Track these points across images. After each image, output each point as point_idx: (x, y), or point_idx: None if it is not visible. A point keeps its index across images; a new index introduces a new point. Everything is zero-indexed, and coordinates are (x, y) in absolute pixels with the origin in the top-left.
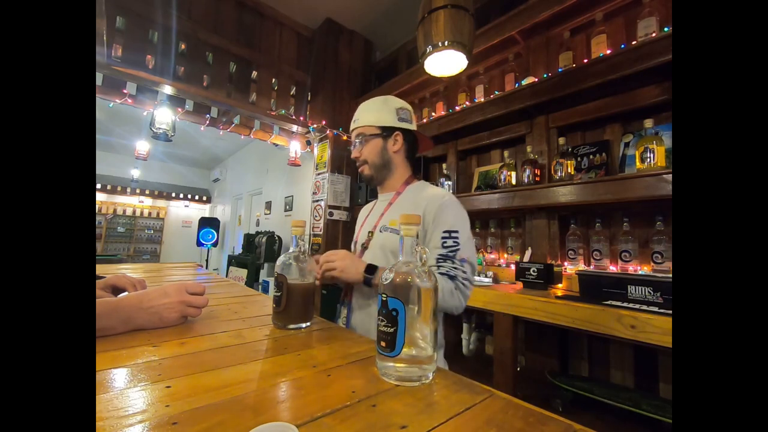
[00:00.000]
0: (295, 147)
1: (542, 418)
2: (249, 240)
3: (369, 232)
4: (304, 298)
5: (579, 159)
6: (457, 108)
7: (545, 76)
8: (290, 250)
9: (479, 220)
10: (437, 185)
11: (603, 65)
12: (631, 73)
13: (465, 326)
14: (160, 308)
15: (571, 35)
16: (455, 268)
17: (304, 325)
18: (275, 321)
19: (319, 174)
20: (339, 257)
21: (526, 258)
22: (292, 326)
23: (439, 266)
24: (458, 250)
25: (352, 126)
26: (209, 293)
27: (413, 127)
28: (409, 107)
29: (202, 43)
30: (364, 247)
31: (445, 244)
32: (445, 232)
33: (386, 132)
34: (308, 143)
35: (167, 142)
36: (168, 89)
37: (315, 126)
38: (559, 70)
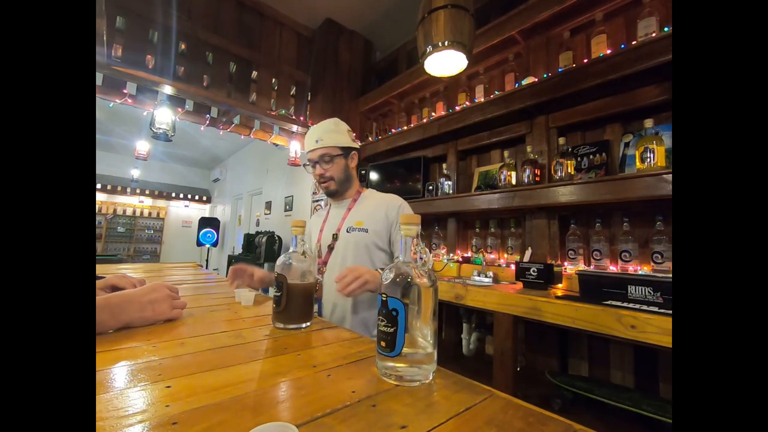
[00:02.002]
0: (295, 147)
1: (542, 418)
2: (249, 240)
3: (333, 234)
4: (304, 298)
5: (579, 159)
6: (457, 108)
7: (545, 76)
8: (290, 250)
9: (479, 220)
10: (437, 185)
11: (603, 65)
12: (631, 73)
13: (465, 326)
14: (151, 301)
15: (571, 35)
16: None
17: (304, 325)
18: (275, 321)
19: None
20: (363, 270)
21: (526, 258)
22: (292, 326)
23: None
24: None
25: (314, 146)
26: (209, 293)
27: (359, 145)
28: (350, 128)
29: (202, 43)
30: (330, 248)
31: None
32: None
33: (346, 151)
34: None
35: (167, 142)
36: (168, 89)
37: None
38: (559, 70)
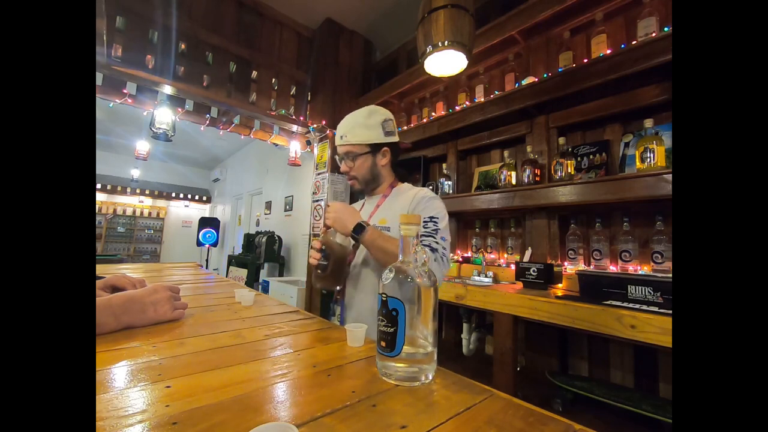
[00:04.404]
0: (295, 147)
1: (542, 418)
2: (249, 240)
3: None
4: (344, 261)
5: (579, 159)
6: (457, 108)
7: (545, 76)
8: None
9: (479, 220)
10: (437, 185)
11: (603, 65)
12: (631, 73)
13: (465, 326)
14: (153, 302)
15: (571, 35)
16: (436, 242)
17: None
18: (318, 283)
19: (319, 174)
20: (334, 208)
21: (526, 258)
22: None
23: (421, 240)
24: (438, 230)
25: (339, 141)
26: (209, 293)
27: (397, 138)
28: (392, 116)
29: (202, 43)
30: (356, 246)
31: (426, 227)
32: (427, 217)
33: (375, 149)
34: (308, 143)
35: (167, 142)
36: (168, 89)
37: (315, 126)
38: (559, 70)
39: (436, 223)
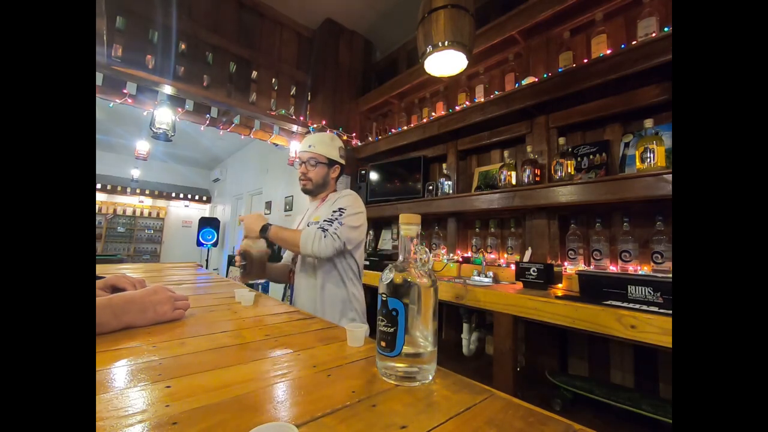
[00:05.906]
0: (295, 147)
1: (542, 418)
2: None
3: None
4: (262, 261)
5: (579, 159)
6: (457, 108)
7: (545, 76)
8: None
9: (479, 220)
10: (437, 185)
11: (603, 65)
12: (631, 73)
13: (465, 326)
14: (154, 302)
15: (571, 35)
16: (330, 224)
17: (260, 281)
18: (243, 280)
19: None
20: (245, 219)
21: (526, 258)
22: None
23: (320, 225)
24: (339, 219)
25: (306, 148)
26: (209, 293)
27: (344, 162)
28: (344, 146)
29: (202, 43)
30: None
31: (331, 215)
32: (336, 208)
33: (330, 163)
34: None
35: (167, 142)
36: (168, 89)
37: (315, 126)
38: (559, 70)
39: (342, 213)
